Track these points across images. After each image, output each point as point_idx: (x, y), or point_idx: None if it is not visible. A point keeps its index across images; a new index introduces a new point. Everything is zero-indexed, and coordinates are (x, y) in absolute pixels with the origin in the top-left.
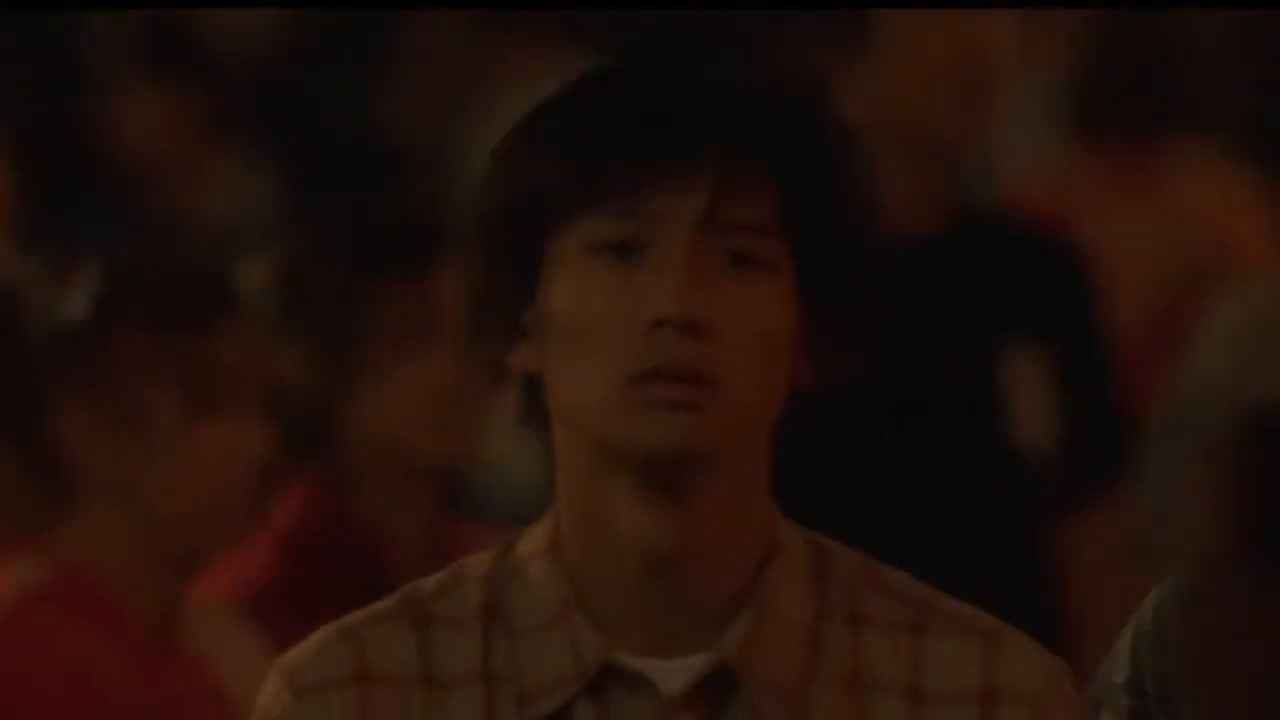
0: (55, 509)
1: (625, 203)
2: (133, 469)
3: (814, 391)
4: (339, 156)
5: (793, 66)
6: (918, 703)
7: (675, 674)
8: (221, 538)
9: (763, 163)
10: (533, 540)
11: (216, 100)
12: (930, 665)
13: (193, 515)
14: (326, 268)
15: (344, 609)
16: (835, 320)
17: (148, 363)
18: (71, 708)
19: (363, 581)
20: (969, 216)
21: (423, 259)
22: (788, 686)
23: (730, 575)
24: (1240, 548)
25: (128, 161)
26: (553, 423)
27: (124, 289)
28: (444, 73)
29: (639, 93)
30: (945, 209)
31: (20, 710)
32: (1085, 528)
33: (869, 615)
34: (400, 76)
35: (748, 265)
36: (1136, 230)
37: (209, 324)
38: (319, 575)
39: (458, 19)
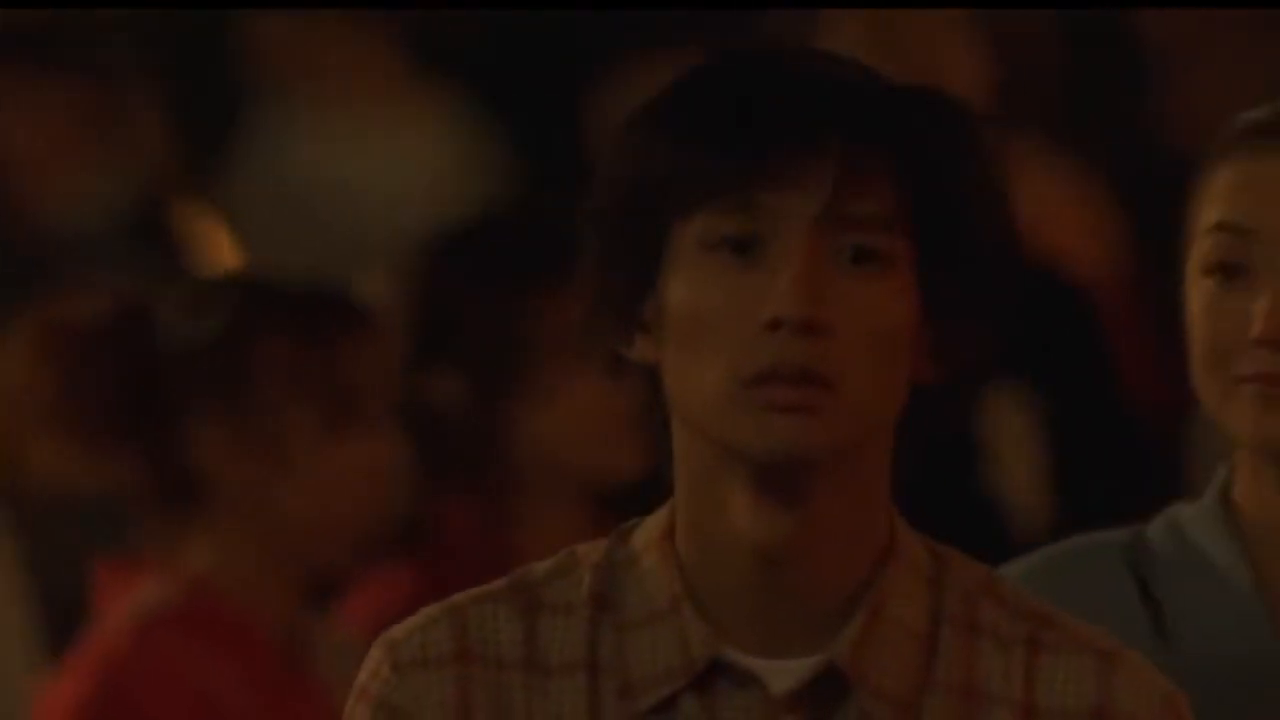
0: (185, 527)
1: (743, 198)
2: (266, 486)
3: (936, 387)
4: None
5: None
6: (1030, 718)
7: (784, 674)
8: (353, 557)
9: (884, 155)
10: (647, 531)
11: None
12: (1044, 681)
13: (325, 533)
14: (476, 282)
15: None
16: (960, 314)
17: (284, 379)
18: None
19: None
20: None
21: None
22: (899, 693)
23: (845, 577)
24: None
25: None
26: (672, 416)
27: (261, 305)
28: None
29: (757, 85)
30: None
31: None
32: None
33: (985, 626)
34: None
35: (868, 261)
36: None
37: (345, 339)
38: None
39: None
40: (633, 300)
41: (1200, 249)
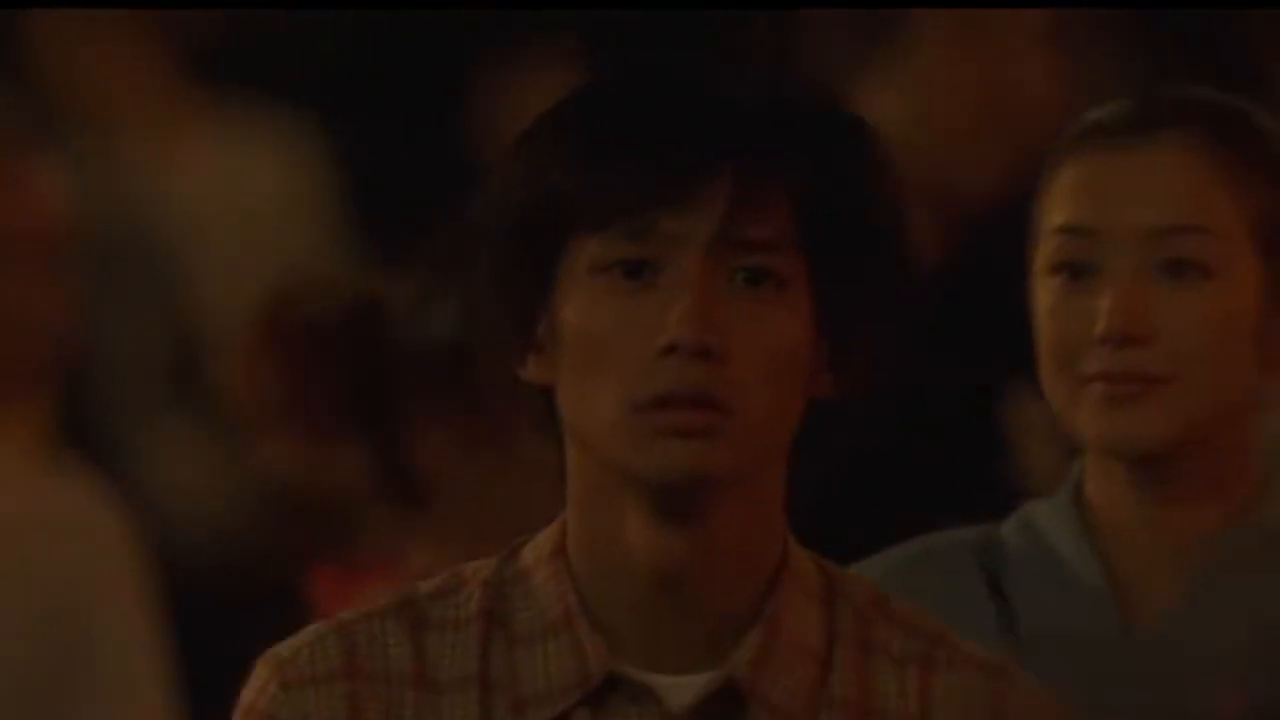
0: (409, 529)
1: (637, 222)
2: (492, 489)
3: (836, 407)
4: None
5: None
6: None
7: (681, 690)
8: None
9: (778, 176)
10: (538, 548)
11: None
12: (938, 699)
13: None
14: None
15: None
16: (856, 332)
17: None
18: None
19: None
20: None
21: None
22: (795, 710)
23: (740, 594)
24: None
25: None
26: (565, 436)
27: None
28: None
29: (650, 105)
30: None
31: None
32: None
33: (878, 644)
34: None
35: (762, 283)
36: None
37: None
38: None
39: None
40: (525, 321)
41: (1045, 249)
